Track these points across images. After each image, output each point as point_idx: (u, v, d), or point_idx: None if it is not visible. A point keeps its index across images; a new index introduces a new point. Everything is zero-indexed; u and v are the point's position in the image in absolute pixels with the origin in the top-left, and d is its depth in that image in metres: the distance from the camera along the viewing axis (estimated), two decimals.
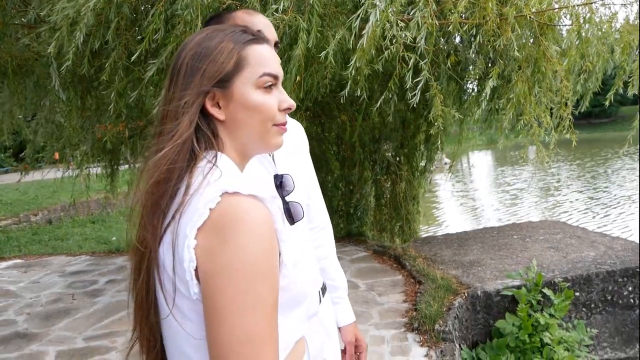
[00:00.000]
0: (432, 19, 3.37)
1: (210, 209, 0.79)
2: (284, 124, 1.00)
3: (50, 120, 4.92)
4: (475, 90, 4.75)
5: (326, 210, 1.70)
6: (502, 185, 18.31)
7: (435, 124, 3.81)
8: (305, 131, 3.41)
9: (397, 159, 6.25)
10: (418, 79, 3.36)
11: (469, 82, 4.27)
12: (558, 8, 3.82)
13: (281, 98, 0.99)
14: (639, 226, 6.45)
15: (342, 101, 3.64)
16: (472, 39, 4.25)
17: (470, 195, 16.62)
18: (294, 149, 1.56)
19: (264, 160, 1.43)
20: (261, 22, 1.40)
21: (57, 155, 6.78)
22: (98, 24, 3.13)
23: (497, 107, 4.18)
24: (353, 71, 3.16)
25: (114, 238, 8.85)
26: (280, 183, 1.42)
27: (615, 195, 14.22)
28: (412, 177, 6.24)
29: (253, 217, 0.79)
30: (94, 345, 3.80)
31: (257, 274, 0.78)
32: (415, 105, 3.96)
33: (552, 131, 3.64)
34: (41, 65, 4.24)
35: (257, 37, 0.97)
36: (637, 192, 12.72)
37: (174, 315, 0.84)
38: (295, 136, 1.59)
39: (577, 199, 14.31)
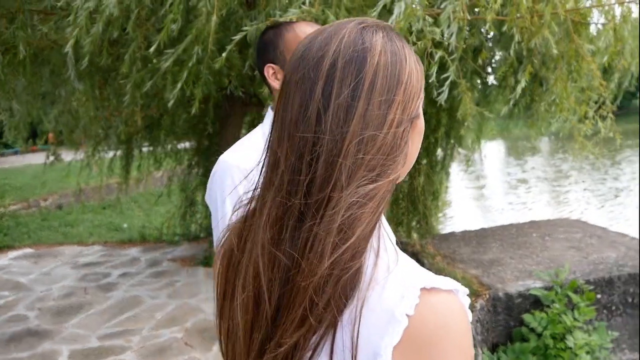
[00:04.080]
0: (463, 13, 3.24)
1: (407, 316, 0.59)
2: None
3: (66, 110, 4.82)
4: (500, 85, 4.62)
5: None
6: (511, 175, 18.16)
7: (465, 123, 3.71)
8: None
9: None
10: (445, 75, 3.24)
11: (497, 78, 4.13)
12: (592, 6, 3.67)
13: None
14: (639, 224, 6.31)
15: None
16: (500, 35, 4.11)
17: (481, 187, 16.48)
18: None
19: None
20: None
21: (51, 137, 6.71)
22: (118, 14, 3.02)
23: (531, 102, 4.09)
24: None
25: (125, 225, 8.79)
26: None
27: (609, 188, 14.14)
28: (431, 172, 6.11)
29: (460, 325, 0.60)
30: (108, 344, 3.74)
31: None
32: (436, 99, 3.86)
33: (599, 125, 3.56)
34: (58, 54, 4.13)
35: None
36: (637, 187, 12.60)
37: None
38: None
39: (576, 191, 14.24)
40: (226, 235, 0.76)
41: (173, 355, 3.55)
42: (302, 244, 0.60)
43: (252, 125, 6.86)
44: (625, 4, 3.64)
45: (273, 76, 1.30)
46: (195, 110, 3.21)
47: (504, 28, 3.29)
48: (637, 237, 5.34)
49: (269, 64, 1.30)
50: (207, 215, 6.95)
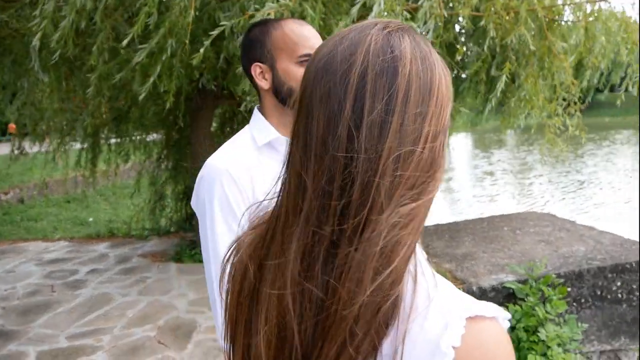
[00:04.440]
0: (440, 10, 3.24)
1: (454, 348, 0.55)
2: None
3: (29, 101, 4.65)
4: (472, 80, 4.65)
5: None
6: (478, 168, 18.45)
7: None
8: None
9: None
10: None
11: (470, 73, 4.15)
12: (564, 3, 3.72)
13: None
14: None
15: None
16: (473, 31, 4.14)
17: (448, 179, 16.70)
18: None
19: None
20: (312, 34, 1.25)
21: (12, 128, 6.48)
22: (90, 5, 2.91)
23: (503, 97, 4.13)
24: None
25: (90, 219, 8.58)
26: None
27: (572, 180, 14.53)
28: None
29: (506, 355, 0.57)
30: (78, 344, 3.64)
31: None
32: None
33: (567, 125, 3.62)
34: (20, 43, 3.97)
35: None
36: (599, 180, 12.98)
37: None
38: None
39: (540, 183, 14.60)
40: (235, 253, 0.71)
41: (146, 354, 3.47)
42: (338, 271, 0.55)
43: (224, 118, 6.76)
44: (597, 2, 3.70)
45: (260, 75, 1.25)
46: (169, 104, 3.12)
47: (481, 23, 3.31)
48: (604, 230, 5.48)
49: (256, 63, 1.25)
50: (177, 209, 6.84)
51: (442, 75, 0.60)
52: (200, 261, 5.34)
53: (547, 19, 3.57)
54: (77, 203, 10.02)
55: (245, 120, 6.76)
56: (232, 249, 0.73)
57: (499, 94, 3.33)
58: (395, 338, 0.55)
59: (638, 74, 3.79)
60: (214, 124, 6.21)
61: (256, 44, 1.25)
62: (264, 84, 1.25)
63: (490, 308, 0.58)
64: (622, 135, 25.58)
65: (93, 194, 9.89)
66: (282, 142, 1.26)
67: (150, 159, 6.78)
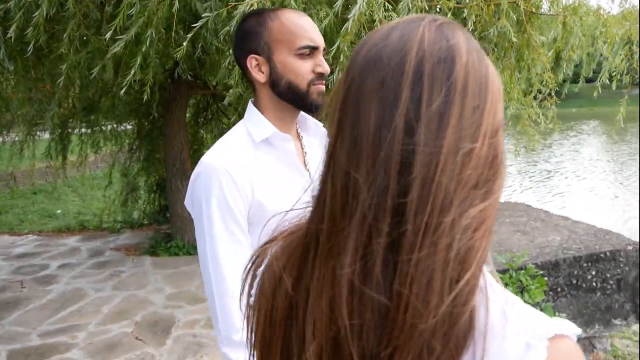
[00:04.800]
0: (421, 2, 3.22)
1: None
2: None
3: None
4: None
5: None
6: None
7: None
8: None
9: None
10: None
11: None
12: None
13: None
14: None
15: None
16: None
17: None
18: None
19: (293, 167, 1.25)
20: (310, 25, 1.20)
21: None
22: None
23: None
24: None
25: (58, 211, 8.35)
26: None
27: (540, 170, 14.84)
28: None
29: None
30: (51, 342, 3.53)
31: None
32: None
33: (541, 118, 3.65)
34: None
35: None
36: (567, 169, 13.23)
37: None
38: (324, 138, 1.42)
39: (510, 172, 14.90)
40: (256, 264, 0.67)
41: (124, 351, 3.39)
42: (404, 277, 0.50)
43: (198, 108, 6.64)
44: None
45: (256, 68, 1.19)
46: (146, 95, 3.03)
47: (464, 15, 3.30)
48: (578, 220, 5.59)
49: (252, 55, 1.19)
50: (150, 201, 6.70)
51: (493, 69, 0.57)
52: (176, 254, 5.28)
53: (526, 12, 3.59)
54: (44, 195, 9.74)
55: (219, 111, 6.68)
56: (253, 260, 0.68)
57: None
58: (473, 356, 0.51)
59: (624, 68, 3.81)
60: (187, 114, 6.09)
61: (252, 35, 1.18)
62: (261, 77, 1.19)
63: (567, 326, 0.55)
64: (589, 126, 26.22)
65: (60, 185, 9.62)
66: (279, 138, 1.22)
67: (122, 149, 6.63)
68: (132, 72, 2.77)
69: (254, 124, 1.21)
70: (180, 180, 5.33)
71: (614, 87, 3.40)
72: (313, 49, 1.19)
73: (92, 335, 3.63)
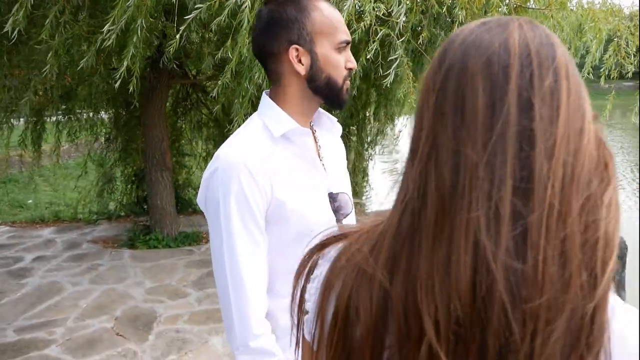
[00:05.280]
0: None
1: None
2: None
3: None
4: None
5: None
6: None
7: (408, 100, 3.76)
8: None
9: (346, 129, 6.07)
10: (393, 57, 3.21)
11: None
12: None
13: None
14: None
15: None
16: (438, 15, 4.11)
17: (395, 162, 16.87)
18: (338, 150, 1.35)
19: (310, 163, 1.20)
20: (340, 17, 1.15)
21: None
22: None
23: None
24: None
25: (30, 201, 8.12)
26: (334, 202, 1.22)
27: None
28: (361, 148, 6.11)
29: None
30: (28, 337, 3.42)
31: None
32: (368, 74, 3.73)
33: None
34: None
35: None
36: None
37: None
38: (338, 136, 1.36)
39: None
40: (311, 266, 0.65)
41: (105, 347, 3.30)
42: (541, 262, 0.48)
43: (177, 98, 6.50)
44: None
45: (296, 59, 1.12)
46: (132, 86, 2.93)
47: (455, 10, 3.27)
48: None
49: (294, 45, 1.11)
50: (127, 192, 6.56)
51: None
52: (155, 247, 5.18)
53: (515, 5, 3.59)
54: (14, 184, 9.46)
55: (199, 101, 6.55)
56: (305, 264, 0.66)
57: None
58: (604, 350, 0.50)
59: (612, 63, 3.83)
60: (168, 104, 5.96)
61: (294, 23, 1.11)
62: (301, 69, 1.13)
63: None
64: None
65: (32, 174, 9.33)
66: (300, 133, 1.16)
67: (98, 139, 6.46)
68: (125, 64, 2.67)
69: (272, 118, 1.15)
70: (160, 171, 5.22)
71: (602, 82, 3.42)
72: (347, 44, 1.16)
73: (70, 330, 3.53)
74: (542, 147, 0.49)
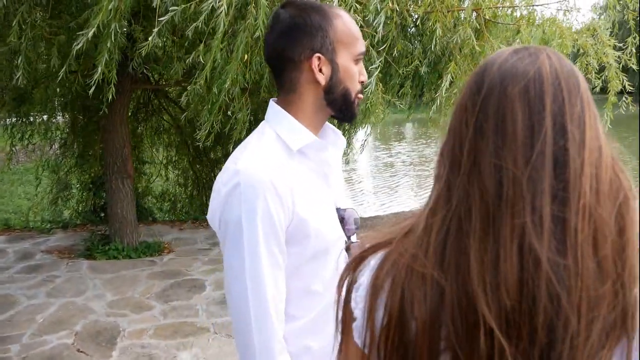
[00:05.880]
0: (392, 3, 3.19)
1: None
2: None
3: None
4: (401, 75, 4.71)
5: None
6: (379, 159, 18.92)
7: (376, 111, 3.78)
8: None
9: None
10: (373, 67, 3.21)
11: (407, 71, 4.18)
12: (502, 5, 3.84)
13: None
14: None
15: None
16: (403, 27, 4.16)
17: (352, 171, 17.01)
18: (339, 164, 1.30)
19: (323, 178, 1.15)
20: (358, 28, 1.11)
21: None
22: None
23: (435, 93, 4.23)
24: None
25: None
26: (342, 218, 1.17)
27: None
28: None
29: None
30: None
31: None
32: None
33: None
34: None
35: None
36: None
37: None
38: (342, 149, 1.31)
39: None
40: (353, 273, 0.70)
41: None
42: (595, 259, 0.58)
43: (138, 103, 6.31)
44: (531, 7, 3.84)
45: (317, 68, 1.07)
46: (111, 95, 2.82)
47: (431, 23, 3.31)
48: None
49: (317, 54, 1.06)
50: (82, 199, 6.31)
51: None
52: (115, 258, 4.98)
53: (485, 20, 3.66)
54: None
55: (161, 106, 6.38)
56: (353, 266, 0.71)
57: (444, 92, 3.36)
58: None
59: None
60: (129, 110, 5.77)
61: (318, 31, 1.06)
62: (321, 78, 1.08)
63: None
64: None
65: None
66: (318, 147, 1.11)
67: (53, 144, 6.19)
68: (100, 70, 2.55)
69: (287, 130, 1.09)
70: (121, 179, 5.03)
71: None
72: (363, 56, 1.12)
73: (27, 347, 3.33)
74: (574, 162, 0.59)
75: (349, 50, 1.09)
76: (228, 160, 1.07)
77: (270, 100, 1.16)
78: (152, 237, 5.47)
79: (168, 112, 6.47)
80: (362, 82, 1.14)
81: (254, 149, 1.06)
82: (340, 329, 0.72)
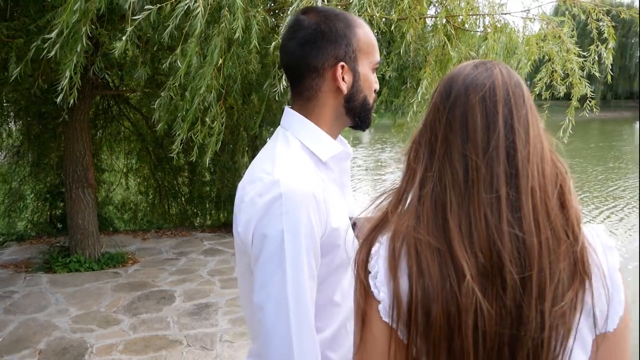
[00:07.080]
0: (371, 10, 3.19)
1: None
2: None
3: None
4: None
5: None
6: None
7: None
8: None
9: None
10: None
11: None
12: (472, 14, 3.89)
13: None
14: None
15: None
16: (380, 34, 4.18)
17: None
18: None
19: (343, 188, 1.15)
20: (374, 37, 1.12)
21: None
22: None
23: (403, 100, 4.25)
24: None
25: None
26: (354, 224, 1.15)
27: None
28: None
29: None
30: None
31: None
32: None
33: None
34: None
35: None
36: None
37: None
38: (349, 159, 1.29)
39: (394, 180, 15.49)
40: (366, 254, 0.83)
41: None
42: (550, 228, 0.77)
43: (97, 109, 6.10)
44: (496, 15, 3.92)
45: (341, 76, 1.05)
46: (74, 99, 2.69)
47: (404, 28, 3.32)
48: None
49: (340, 62, 1.04)
50: (37, 209, 6.04)
51: None
52: (77, 270, 4.77)
53: (454, 27, 3.70)
54: None
55: (122, 112, 6.19)
56: (365, 246, 0.84)
57: (419, 98, 3.37)
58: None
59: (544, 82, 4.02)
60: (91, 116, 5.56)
61: (342, 39, 1.04)
62: (344, 87, 1.05)
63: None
64: None
65: None
66: (342, 157, 1.10)
67: (4, 152, 5.91)
68: (68, 75, 2.43)
69: (313, 139, 1.05)
70: (82, 188, 4.83)
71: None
72: (379, 65, 1.12)
73: None
74: (522, 154, 0.78)
75: (368, 59, 1.09)
76: (254, 169, 1.01)
77: (286, 107, 1.13)
78: (114, 248, 5.28)
79: (129, 118, 6.28)
80: (376, 90, 1.13)
81: (287, 159, 1.00)
82: (361, 317, 0.82)
